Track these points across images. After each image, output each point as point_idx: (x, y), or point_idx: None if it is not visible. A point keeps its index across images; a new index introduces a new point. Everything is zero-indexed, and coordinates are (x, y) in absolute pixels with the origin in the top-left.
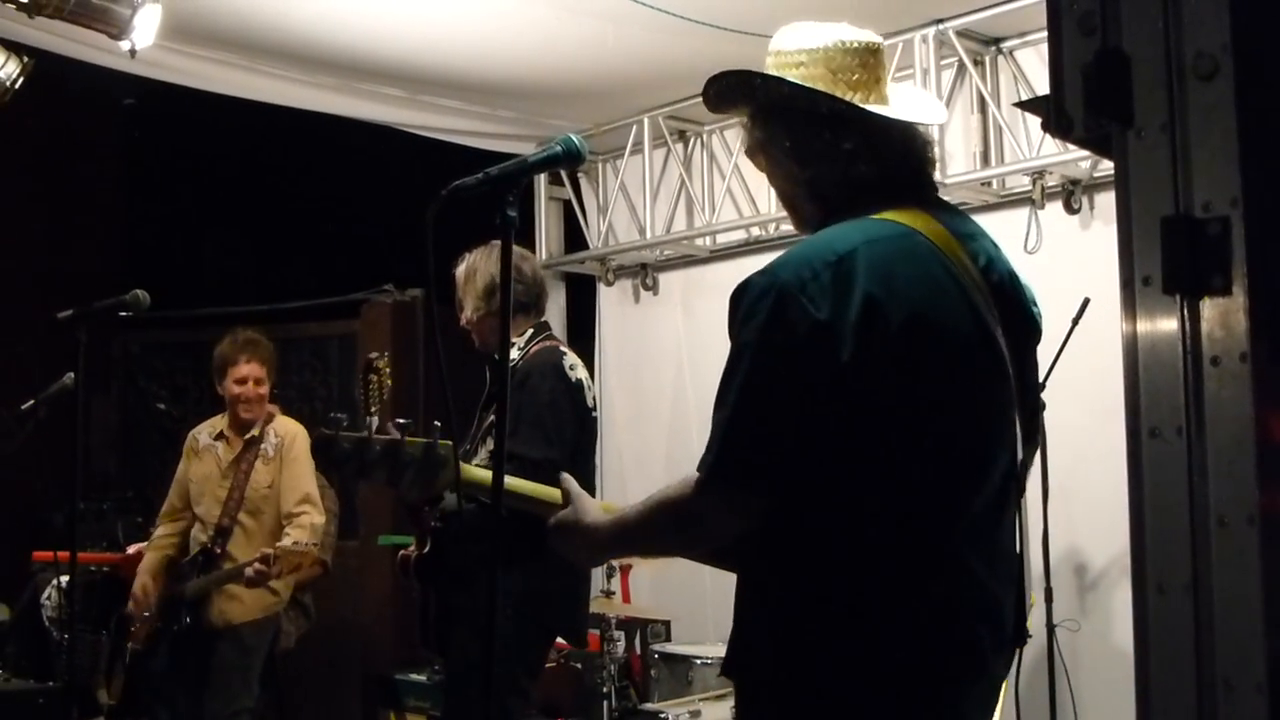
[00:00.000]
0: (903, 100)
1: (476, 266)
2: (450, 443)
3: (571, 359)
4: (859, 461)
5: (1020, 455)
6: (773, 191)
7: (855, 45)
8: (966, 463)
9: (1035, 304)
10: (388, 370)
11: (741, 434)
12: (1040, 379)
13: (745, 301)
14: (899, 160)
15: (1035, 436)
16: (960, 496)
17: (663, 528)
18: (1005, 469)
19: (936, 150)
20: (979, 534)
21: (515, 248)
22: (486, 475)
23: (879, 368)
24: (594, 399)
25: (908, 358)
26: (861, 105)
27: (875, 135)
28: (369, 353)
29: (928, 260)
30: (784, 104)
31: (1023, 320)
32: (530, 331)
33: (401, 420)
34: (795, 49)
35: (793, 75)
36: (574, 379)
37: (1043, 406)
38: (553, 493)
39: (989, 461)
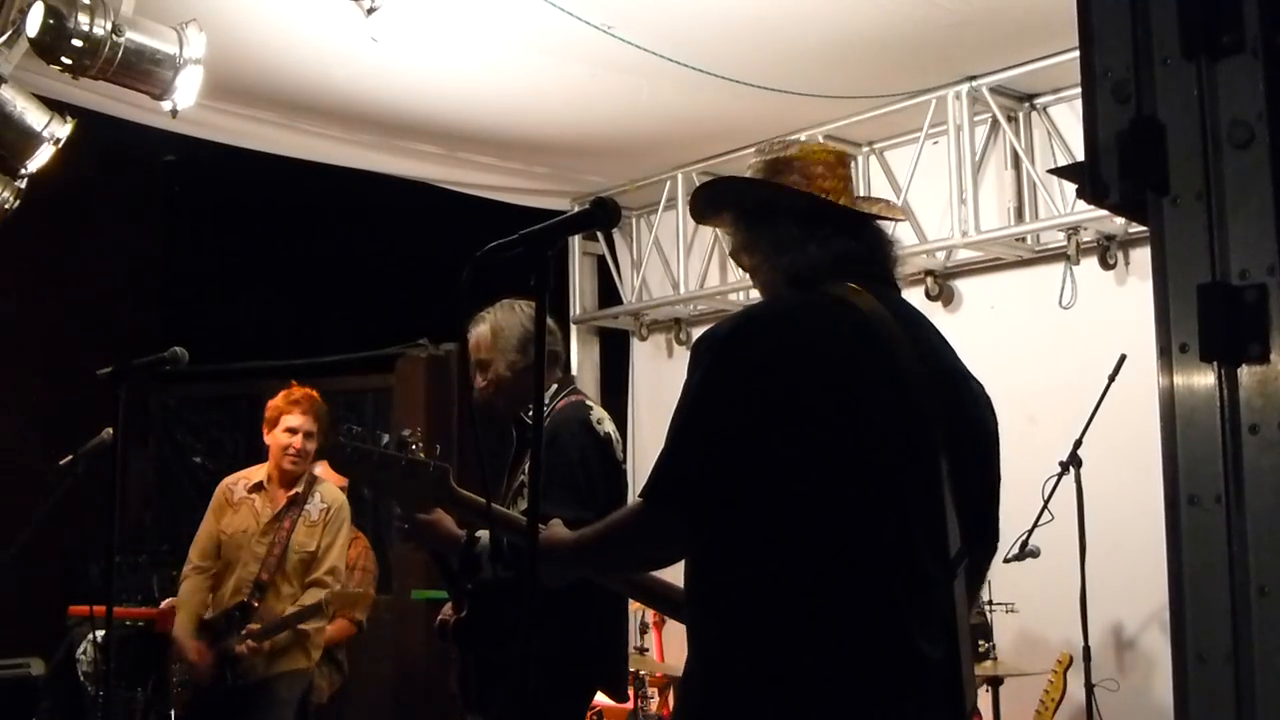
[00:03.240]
0: (869, 202)
1: (502, 324)
2: (446, 466)
3: (598, 413)
4: (783, 508)
5: (958, 544)
6: None
7: (825, 155)
8: (888, 521)
9: (989, 407)
10: (421, 445)
11: (675, 467)
12: (997, 475)
13: (697, 351)
14: (864, 250)
15: (988, 537)
16: (882, 553)
17: (608, 547)
18: (935, 541)
19: (896, 250)
20: (910, 595)
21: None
22: (481, 501)
23: (801, 418)
24: (623, 452)
25: (828, 411)
26: (835, 201)
27: (845, 228)
28: (403, 429)
29: (860, 330)
30: (769, 204)
31: (965, 416)
32: (555, 386)
33: (406, 432)
34: (774, 158)
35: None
36: (602, 433)
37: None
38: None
39: (912, 525)
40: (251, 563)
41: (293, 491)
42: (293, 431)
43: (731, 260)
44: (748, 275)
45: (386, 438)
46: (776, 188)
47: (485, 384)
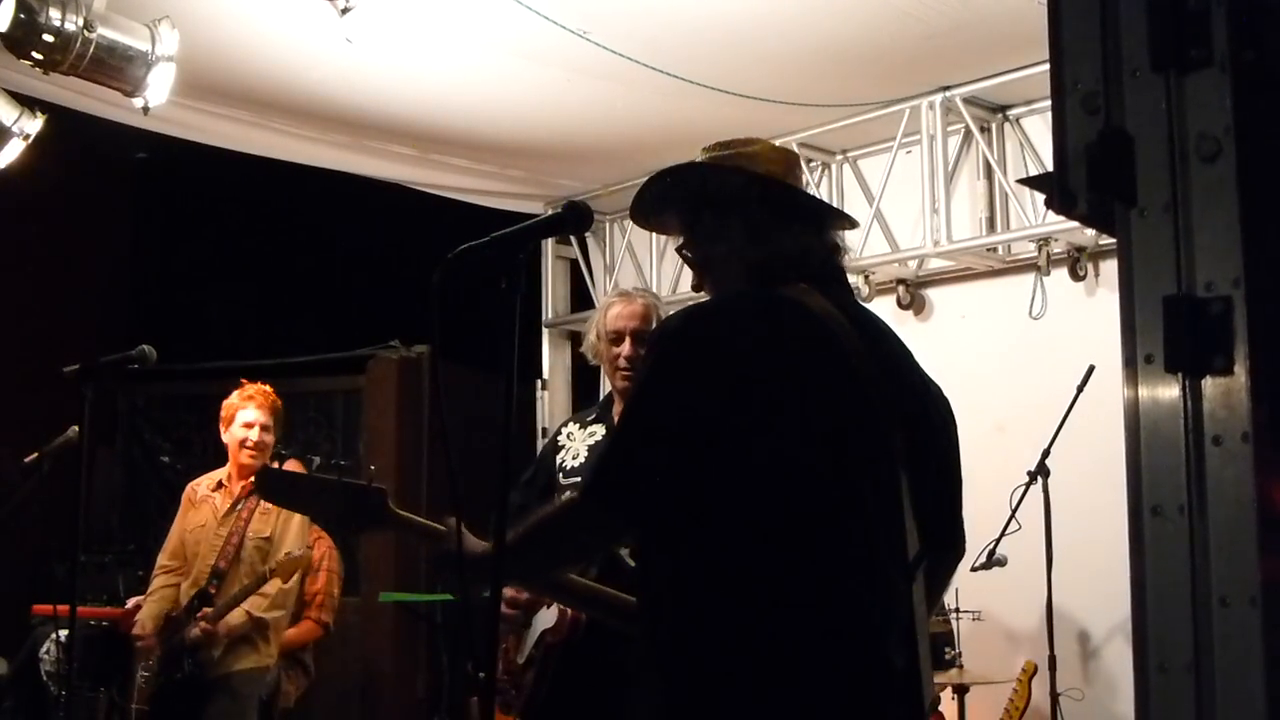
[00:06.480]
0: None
1: (656, 309)
2: (383, 488)
3: None
4: (739, 510)
5: (916, 546)
6: None
7: (779, 156)
8: (847, 523)
9: (949, 412)
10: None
11: (619, 461)
12: (958, 479)
13: (651, 344)
14: (825, 250)
15: (952, 541)
16: (843, 556)
17: (536, 541)
18: (892, 543)
19: (848, 255)
20: (875, 599)
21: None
22: (420, 521)
23: (753, 416)
24: None
25: (780, 409)
26: (812, 195)
27: (811, 225)
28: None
29: (814, 331)
30: (741, 192)
31: (924, 421)
32: None
33: (341, 463)
34: (734, 153)
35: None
36: None
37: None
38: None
39: (871, 528)
40: (210, 554)
41: (247, 480)
42: (248, 425)
43: (682, 254)
44: (700, 268)
45: (317, 461)
46: (753, 175)
47: (630, 354)
